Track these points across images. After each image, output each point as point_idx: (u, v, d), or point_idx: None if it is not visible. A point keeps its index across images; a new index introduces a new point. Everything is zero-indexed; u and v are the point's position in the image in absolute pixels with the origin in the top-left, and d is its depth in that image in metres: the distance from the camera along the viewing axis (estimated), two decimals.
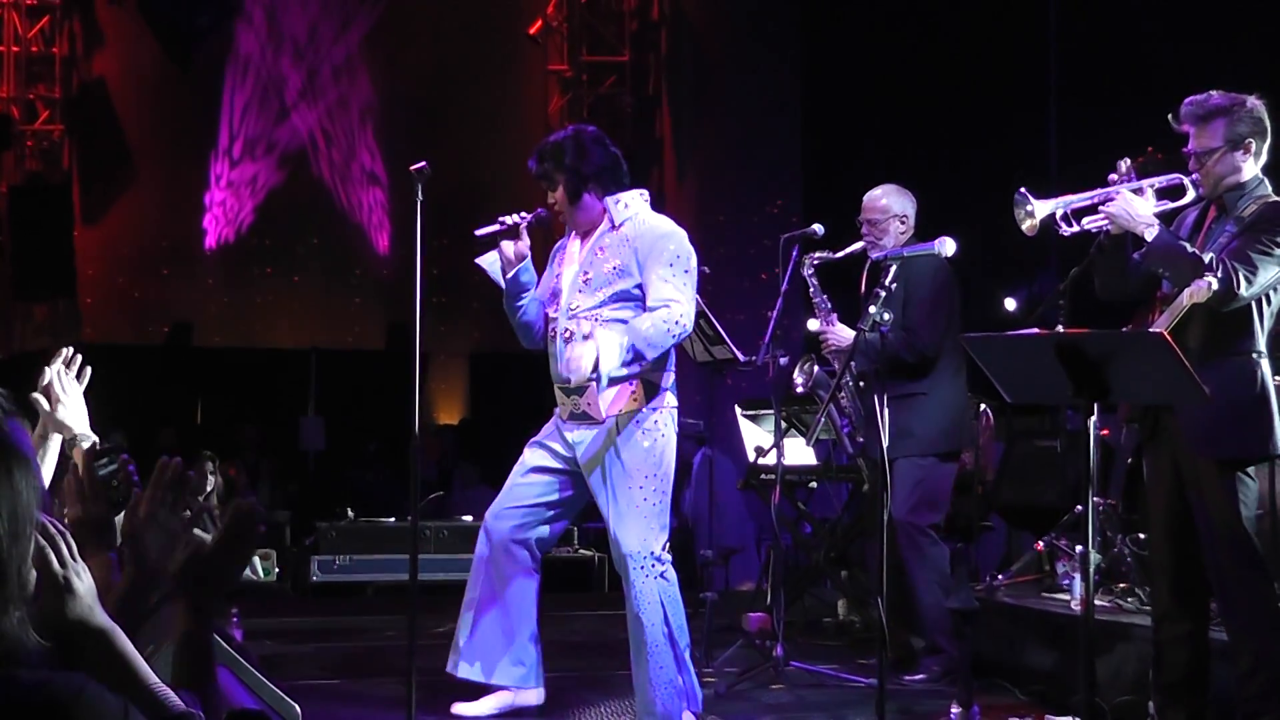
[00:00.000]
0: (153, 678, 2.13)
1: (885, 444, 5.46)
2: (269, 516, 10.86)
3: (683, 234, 5.54)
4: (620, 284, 5.45)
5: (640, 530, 5.38)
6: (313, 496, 11.71)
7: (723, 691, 6.16)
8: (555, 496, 5.65)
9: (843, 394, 6.64)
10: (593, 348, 5.20)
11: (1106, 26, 9.63)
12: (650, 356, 5.31)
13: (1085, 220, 5.01)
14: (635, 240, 5.47)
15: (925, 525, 6.54)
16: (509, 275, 5.55)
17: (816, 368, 6.87)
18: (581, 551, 10.21)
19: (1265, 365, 4.95)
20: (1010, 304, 8.49)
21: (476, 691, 5.66)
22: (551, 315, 5.60)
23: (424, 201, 5.09)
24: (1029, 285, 9.17)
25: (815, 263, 6.59)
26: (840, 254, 6.56)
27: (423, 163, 5.10)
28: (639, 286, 5.44)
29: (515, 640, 5.61)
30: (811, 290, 6.66)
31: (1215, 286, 4.73)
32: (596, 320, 5.43)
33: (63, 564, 2.10)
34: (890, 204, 6.65)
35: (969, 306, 6.83)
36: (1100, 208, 4.96)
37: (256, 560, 10.22)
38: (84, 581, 2.13)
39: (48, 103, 13.99)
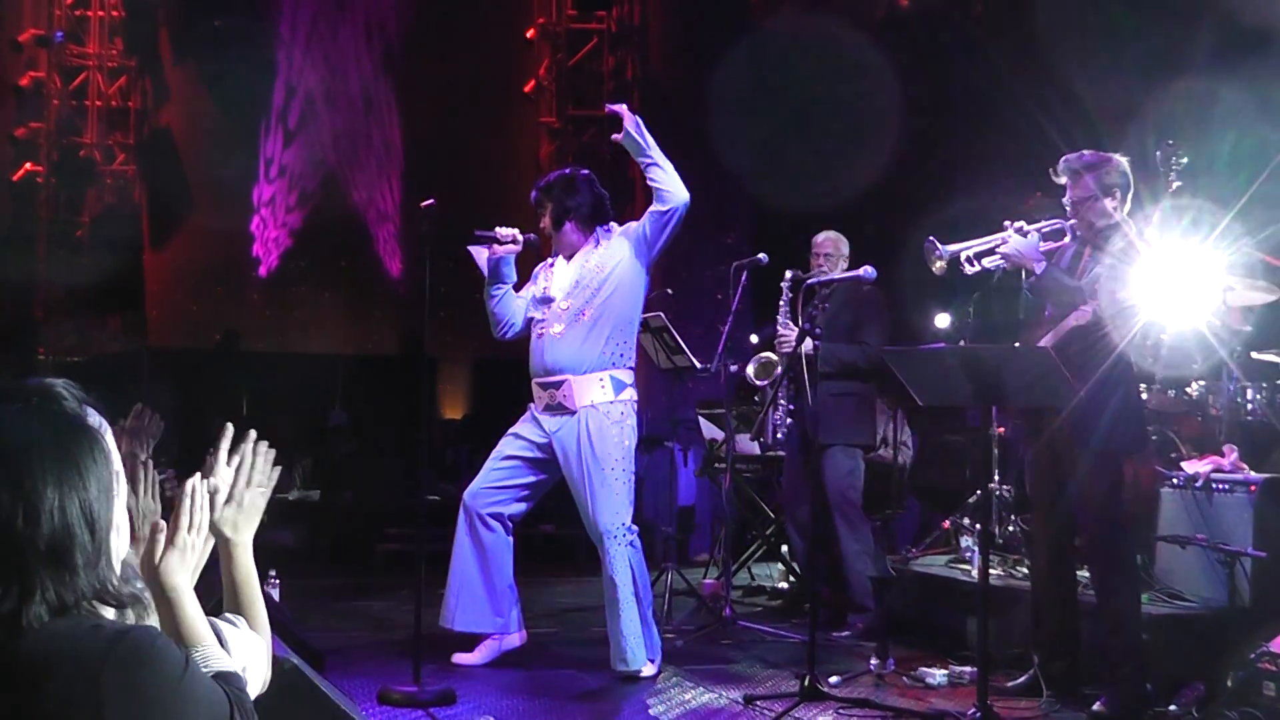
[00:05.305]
0: (210, 640, 2.10)
1: (822, 433, 5.52)
2: (304, 494, 10.78)
3: None
4: (604, 288, 5.48)
5: (614, 507, 5.39)
6: (338, 477, 11.61)
7: (680, 645, 6.17)
8: (528, 479, 5.64)
9: (782, 391, 6.68)
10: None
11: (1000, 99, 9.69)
12: (656, 156, 5.52)
13: (985, 260, 5.05)
14: (616, 244, 5.54)
15: (857, 504, 6.57)
16: (491, 261, 5.58)
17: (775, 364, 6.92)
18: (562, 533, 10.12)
19: (1132, 374, 5.01)
20: (944, 320, 8.33)
21: (471, 642, 5.65)
22: (539, 317, 5.61)
23: (431, 232, 5.10)
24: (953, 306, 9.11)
25: (790, 279, 6.66)
26: (809, 278, 6.51)
27: (431, 200, 5.13)
28: (619, 287, 5.48)
29: (495, 595, 5.60)
30: (782, 300, 6.70)
31: (1098, 313, 4.82)
32: (582, 318, 5.47)
33: (177, 527, 2.10)
34: (839, 244, 6.89)
35: (909, 322, 6.94)
36: (997, 250, 5.02)
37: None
38: (185, 549, 2.11)
39: (123, 147, 13.89)
